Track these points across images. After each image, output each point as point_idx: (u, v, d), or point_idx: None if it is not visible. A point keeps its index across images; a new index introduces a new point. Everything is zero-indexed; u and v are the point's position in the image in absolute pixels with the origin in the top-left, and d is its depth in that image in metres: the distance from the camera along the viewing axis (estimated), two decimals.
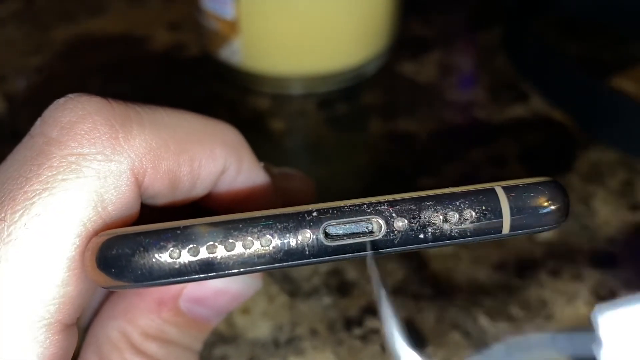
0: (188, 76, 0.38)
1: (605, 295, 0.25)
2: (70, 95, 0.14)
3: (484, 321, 0.24)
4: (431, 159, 0.32)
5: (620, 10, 0.40)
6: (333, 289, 0.25)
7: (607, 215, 0.28)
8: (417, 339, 0.23)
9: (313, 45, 0.35)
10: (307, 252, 0.13)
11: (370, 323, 0.24)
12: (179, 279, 0.12)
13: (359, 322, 0.24)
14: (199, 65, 0.39)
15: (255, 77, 0.36)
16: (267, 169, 0.18)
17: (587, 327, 0.12)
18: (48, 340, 0.13)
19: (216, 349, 0.23)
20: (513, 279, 0.25)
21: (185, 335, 0.17)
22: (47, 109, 0.14)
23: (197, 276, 0.12)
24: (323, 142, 0.33)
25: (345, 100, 0.36)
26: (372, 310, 0.24)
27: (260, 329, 0.24)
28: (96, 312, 0.17)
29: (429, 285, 0.25)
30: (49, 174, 0.13)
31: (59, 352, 0.13)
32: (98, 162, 0.14)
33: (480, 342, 0.23)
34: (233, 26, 0.34)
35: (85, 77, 0.38)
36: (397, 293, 0.25)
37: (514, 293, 0.25)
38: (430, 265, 0.26)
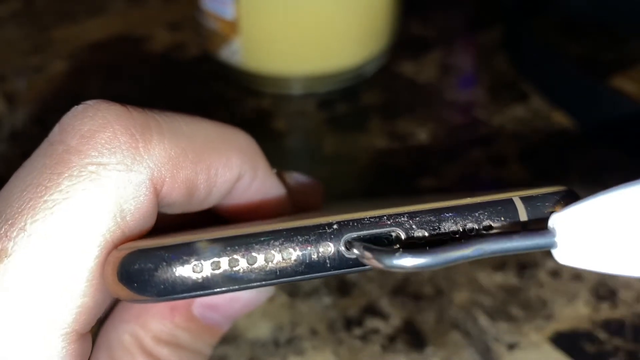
0: (188, 76, 0.38)
1: (606, 295, 0.25)
2: (88, 102, 0.14)
3: (484, 321, 0.24)
4: (431, 159, 0.32)
5: (620, 10, 0.40)
6: (333, 289, 0.25)
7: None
8: (417, 339, 0.23)
9: (313, 45, 0.35)
10: (328, 265, 0.13)
11: (370, 323, 0.24)
12: (201, 292, 0.12)
13: (359, 322, 0.24)
14: (199, 65, 0.39)
15: (255, 77, 0.36)
16: (279, 175, 0.18)
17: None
18: (64, 350, 0.13)
19: (216, 349, 0.23)
20: (513, 279, 0.25)
21: (197, 340, 0.17)
22: (66, 116, 0.14)
23: (219, 289, 0.12)
24: (323, 142, 0.33)
25: (345, 100, 0.36)
26: (372, 310, 0.24)
27: (260, 329, 0.24)
28: (107, 314, 0.17)
29: (429, 285, 0.25)
30: (69, 183, 0.13)
31: None
32: (118, 172, 0.13)
33: (480, 342, 0.23)
34: (233, 26, 0.34)
35: (85, 77, 0.38)
36: (397, 293, 0.25)
37: (514, 293, 0.25)
38: None
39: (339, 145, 0.33)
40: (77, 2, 0.45)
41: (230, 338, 0.23)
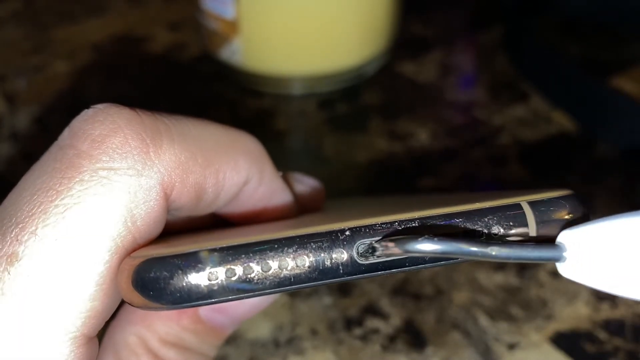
0: (188, 76, 0.38)
1: (606, 295, 0.25)
2: (98, 105, 0.14)
3: (484, 321, 0.24)
4: (431, 159, 0.32)
5: (620, 10, 0.40)
6: (333, 289, 0.25)
7: (607, 215, 0.28)
8: (417, 339, 0.23)
9: (313, 45, 0.35)
10: (340, 271, 0.13)
11: (370, 323, 0.24)
12: (215, 299, 0.12)
13: (359, 322, 0.24)
14: (199, 65, 0.39)
15: (256, 77, 0.36)
16: (285, 177, 0.18)
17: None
18: (73, 354, 0.13)
19: None
20: (513, 279, 0.25)
21: (203, 342, 0.17)
22: (75, 120, 0.14)
23: (233, 297, 0.13)
24: (323, 142, 0.33)
25: (345, 100, 0.36)
26: (372, 310, 0.24)
27: (260, 329, 0.24)
28: (113, 315, 0.17)
29: (429, 285, 0.25)
30: (80, 188, 0.13)
31: None
32: (129, 177, 0.14)
33: (480, 342, 0.23)
34: (233, 26, 0.34)
35: (85, 77, 0.38)
36: (397, 293, 0.25)
37: (514, 293, 0.25)
38: None
39: (339, 145, 0.33)
40: (77, 2, 0.45)
41: (230, 338, 0.23)
